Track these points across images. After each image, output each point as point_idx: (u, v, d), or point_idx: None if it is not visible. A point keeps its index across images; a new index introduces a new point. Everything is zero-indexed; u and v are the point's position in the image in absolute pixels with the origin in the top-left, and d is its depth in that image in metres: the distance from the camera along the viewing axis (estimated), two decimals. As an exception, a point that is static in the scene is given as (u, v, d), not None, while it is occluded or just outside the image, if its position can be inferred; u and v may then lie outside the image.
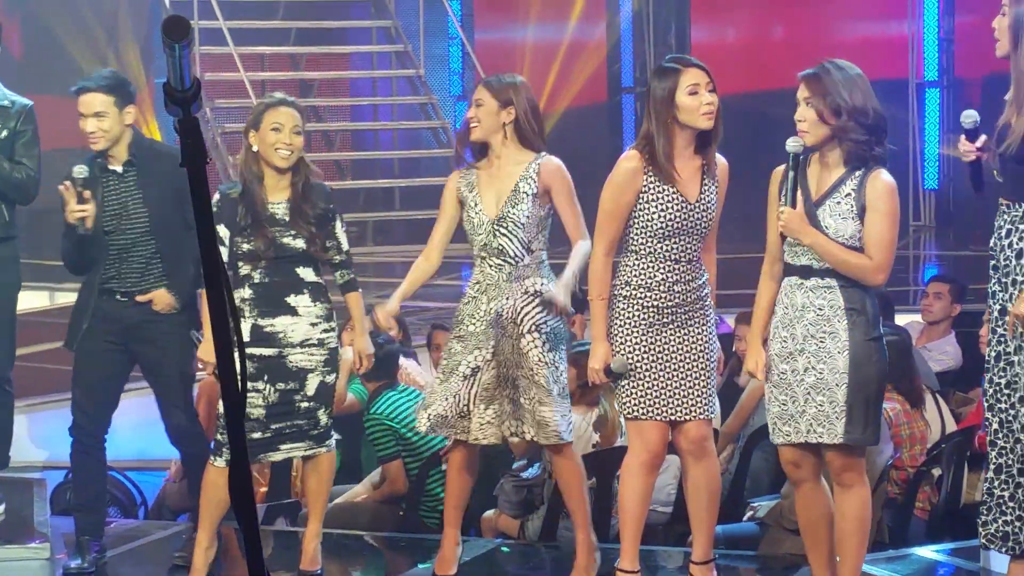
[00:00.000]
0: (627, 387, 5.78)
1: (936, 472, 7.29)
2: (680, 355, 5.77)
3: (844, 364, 5.40)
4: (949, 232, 14.98)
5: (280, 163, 6.16)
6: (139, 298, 6.44)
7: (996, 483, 5.61)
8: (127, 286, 6.46)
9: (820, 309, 5.42)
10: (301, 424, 6.25)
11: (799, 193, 5.42)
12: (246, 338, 6.10)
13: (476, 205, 6.12)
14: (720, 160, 5.86)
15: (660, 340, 5.75)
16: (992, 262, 5.59)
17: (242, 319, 6.15)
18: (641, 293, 5.74)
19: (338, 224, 6.27)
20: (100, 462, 6.62)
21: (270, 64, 16.14)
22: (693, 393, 5.80)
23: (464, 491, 6.29)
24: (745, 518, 7.12)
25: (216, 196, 6.27)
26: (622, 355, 5.76)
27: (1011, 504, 5.59)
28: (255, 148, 6.17)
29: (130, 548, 6.90)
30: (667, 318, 5.75)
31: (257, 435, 6.17)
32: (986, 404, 5.63)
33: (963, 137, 5.54)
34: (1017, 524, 5.59)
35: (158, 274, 6.47)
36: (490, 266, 6.09)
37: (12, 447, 7.17)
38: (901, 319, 8.86)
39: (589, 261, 5.87)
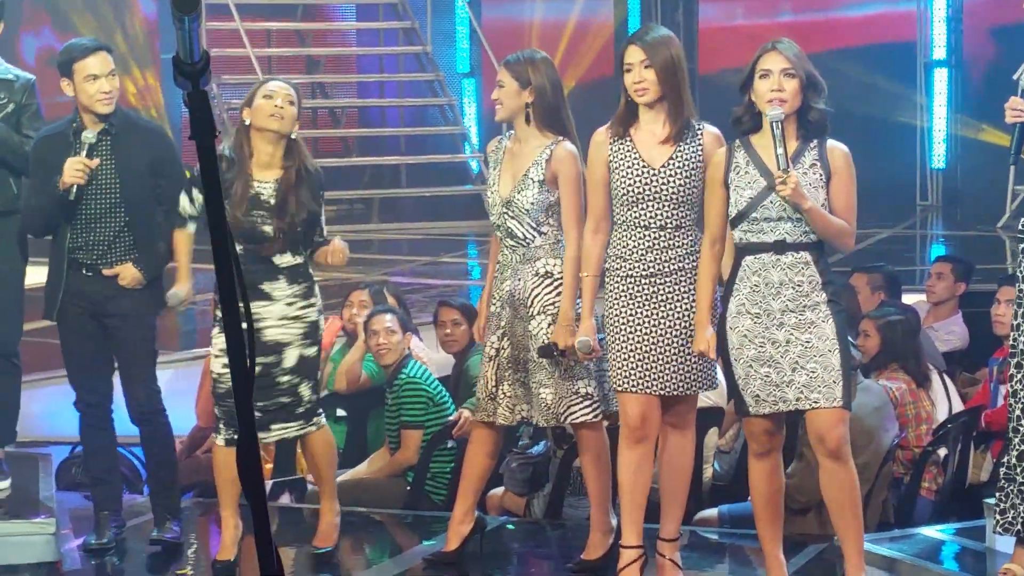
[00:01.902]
0: (613, 360, 5.77)
1: (942, 452, 7.28)
2: (662, 329, 5.71)
3: (832, 331, 5.41)
4: (956, 212, 14.96)
5: (273, 126, 6.15)
6: (105, 272, 6.40)
7: (1020, 470, 5.53)
8: (93, 258, 6.41)
9: (799, 285, 5.42)
10: (284, 402, 6.22)
11: (778, 162, 5.37)
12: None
13: (494, 184, 6.10)
14: (709, 130, 5.80)
15: (641, 313, 5.71)
16: (1022, 246, 5.50)
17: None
18: (617, 264, 5.75)
19: (322, 216, 6.31)
20: (110, 433, 6.62)
21: (276, 40, 16.11)
22: (671, 368, 5.73)
23: (485, 473, 6.26)
24: (750, 498, 7.09)
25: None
26: (587, 338, 5.77)
27: None
28: (247, 122, 6.21)
29: (136, 523, 6.89)
30: (646, 290, 5.71)
31: None
32: (1011, 389, 5.56)
33: (1016, 98, 5.45)
34: None
35: (126, 248, 6.42)
36: (507, 247, 6.07)
37: (18, 422, 7.16)
38: (908, 299, 8.84)
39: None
